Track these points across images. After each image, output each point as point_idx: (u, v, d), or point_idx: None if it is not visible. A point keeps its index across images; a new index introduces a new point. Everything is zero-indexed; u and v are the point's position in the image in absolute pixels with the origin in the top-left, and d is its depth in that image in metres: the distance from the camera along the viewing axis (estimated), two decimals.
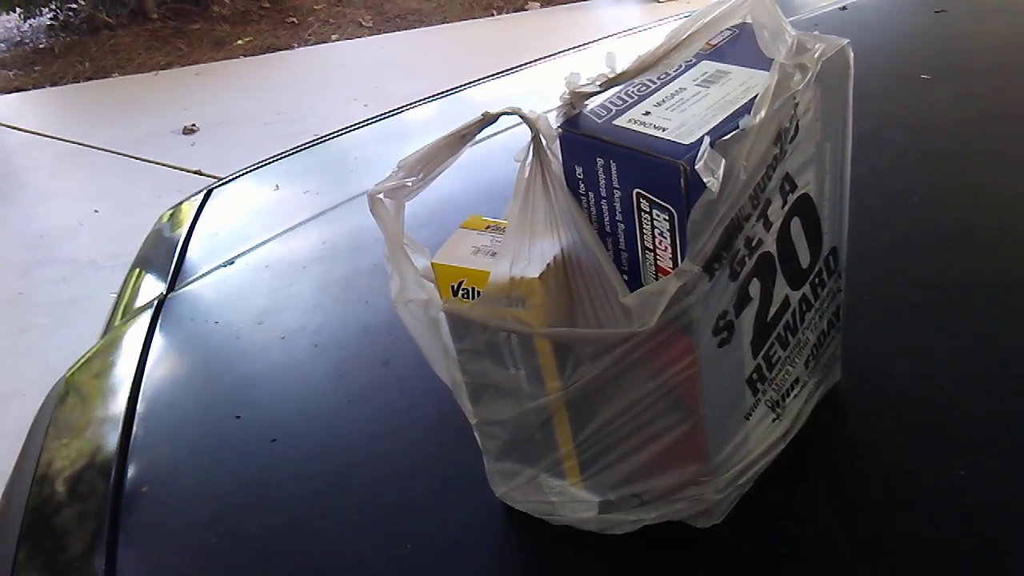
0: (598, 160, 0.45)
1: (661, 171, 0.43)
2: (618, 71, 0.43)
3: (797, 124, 0.47)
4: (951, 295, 0.67)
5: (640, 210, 0.45)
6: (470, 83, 1.28)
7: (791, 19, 1.23)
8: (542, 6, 4.37)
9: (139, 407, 0.75)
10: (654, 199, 0.44)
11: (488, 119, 0.50)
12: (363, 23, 4.13)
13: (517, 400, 0.52)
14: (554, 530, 0.56)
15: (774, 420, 0.56)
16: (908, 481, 0.54)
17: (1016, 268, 0.68)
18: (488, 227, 0.52)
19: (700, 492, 0.53)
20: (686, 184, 0.42)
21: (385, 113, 1.26)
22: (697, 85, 0.47)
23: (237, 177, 1.20)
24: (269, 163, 1.21)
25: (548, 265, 0.47)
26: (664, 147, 0.43)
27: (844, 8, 1.20)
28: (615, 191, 0.45)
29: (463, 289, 0.50)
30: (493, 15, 4.26)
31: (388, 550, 0.58)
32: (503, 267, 0.47)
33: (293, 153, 1.22)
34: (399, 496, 0.62)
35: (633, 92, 0.48)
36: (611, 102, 0.47)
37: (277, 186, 1.14)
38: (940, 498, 0.53)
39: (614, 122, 0.46)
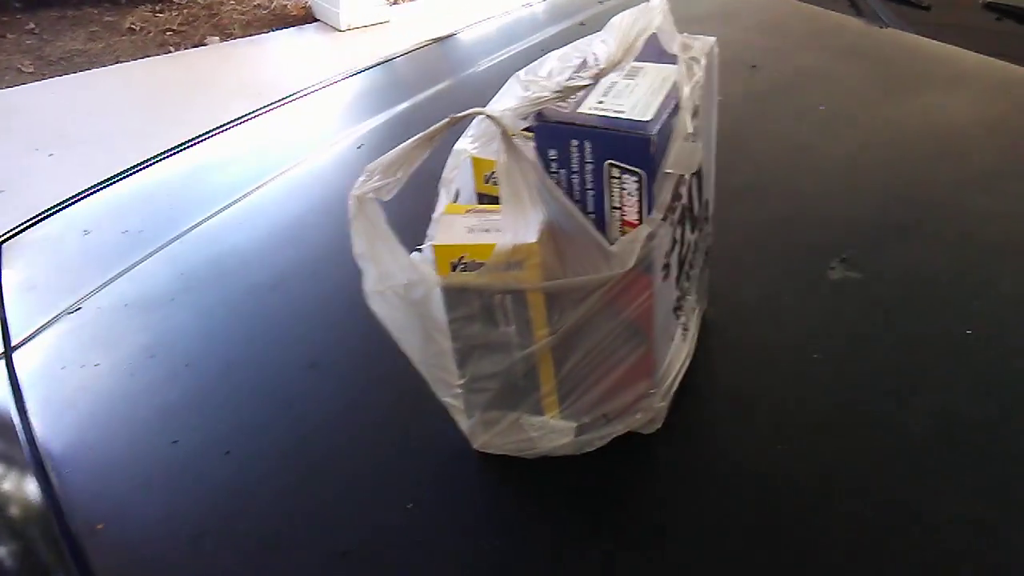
0: (572, 141, 0.57)
1: (633, 143, 0.55)
2: (599, 68, 0.55)
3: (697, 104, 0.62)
4: (777, 229, 0.86)
5: (611, 177, 0.57)
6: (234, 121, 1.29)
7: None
8: (221, 40, 4.30)
9: (44, 456, 0.73)
10: (625, 166, 0.56)
11: (455, 121, 0.60)
12: (23, 68, 3.80)
13: (506, 353, 0.62)
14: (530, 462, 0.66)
15: (683, 339, 0.71)
16: (767, 373, 0.72)
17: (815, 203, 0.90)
18: (469, 211, 0.61)
19: (650, 403, 0.66)
20: (654, 152, 0.55)
21: (171, 149, 1.25)
22: (625, 79, 0.61)
23: (24, 229, 1.13)
24: (58, 210, 1.16)
25: (540, 232, 0.58)
26: (632, 124, 0.56)
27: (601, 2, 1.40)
28: (587, 164, 0.57)
29: (463, 264, 0.59)
30: (170, 51, 4.11)
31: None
32: (507, 238, 0.57)
33: (76, 200, 1.18)
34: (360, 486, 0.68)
35: None
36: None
37: (86, 231, 1.10)
38: (795, 390, 0.71)
39: (579, 111, 0.58)
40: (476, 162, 0.67)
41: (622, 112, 0.57)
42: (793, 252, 0.84)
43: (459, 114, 0.60)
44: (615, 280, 0.58)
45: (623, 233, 0.59)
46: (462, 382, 0.64)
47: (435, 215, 0.71)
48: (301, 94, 1.32)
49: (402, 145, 0.60)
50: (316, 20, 4.66)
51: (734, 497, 0.63)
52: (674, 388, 0.68)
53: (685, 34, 0.66)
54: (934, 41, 1.19)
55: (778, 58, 1.22)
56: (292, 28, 4.58)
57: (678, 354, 0.69)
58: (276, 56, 4.31)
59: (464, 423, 0.67)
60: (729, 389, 0.71)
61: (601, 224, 0.59)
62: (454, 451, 0.68)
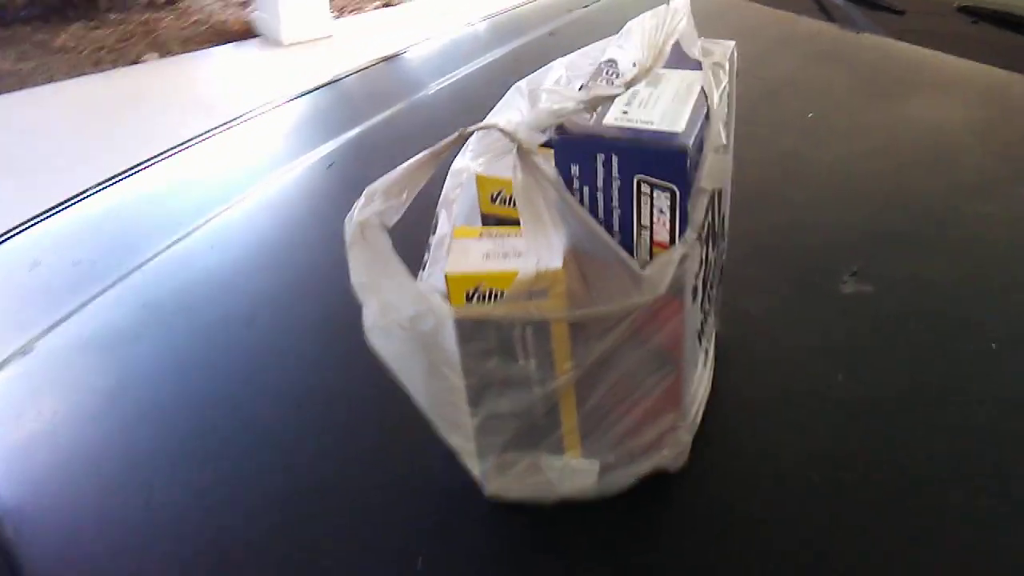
0: (598, 156, 0.52)
1: (666, 157, 0.50)
2: (630, 76, 0.50)
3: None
4: (781, 242, 0.82)
5: (641, 194, 0.52)
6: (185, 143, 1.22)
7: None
8: (160, 57, 4.17)
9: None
10: (657, 181, 0.51)
11: (464, 136, 0.55)
12: None
13: (525, 390, 0.57)
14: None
15: (704, 365, 0.66)
16: (792, 399, 0.68)
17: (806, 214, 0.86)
18: (483, 234, 0.56)
19: (677, 438, 0.61)
20: (689, 165, 0.51)
21: (124, 172, 1.17)
22: (646, 87, 0.56)
23: None
24: (1, 241, 1.07)
25: (564, 257, 0.52)
26: (663, 136, 0.51)
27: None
28: (614, 181, 0.52)
29: (479, 294, 0.53)
30: (106, 70, 3.97)
31: None
32: (530, 264, 0.51)
33: (22, 230, 1.09)
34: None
35: None
36: None
37: (35, 263, 1.02)
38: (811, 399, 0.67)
39: (604, 122, 0.53)
40: (481, 180, 0.61)
41: (650, 123, 0.52)
42: (801, 266, 0.80)
43: (470, 128, 0.54)
44: (648, 306, 0.53)
45: (652, 254, 0.54)
46: (475, 422, 0.59)
47: (433, 239, 0.66)
48: (256, 113, 1.25)
49: (405, 164, 0.54)
50: (257, 35, 4.55)
51: (770, 539, 0.58)
52: (699, 420, 0.64)
53: (703, 38, 0.61)
54: (912, 46, 1.18)
55: (757, 65, 1.18)
56: (233, 44, 4.47)
57: (700, 382, 0.65)
58: (218, 73, 4.20)
59: (475, 467, 0.61)
60: (752, 418, 0.67)
61: (628, 245, 0.54)
62: (462, 497, 0.62)
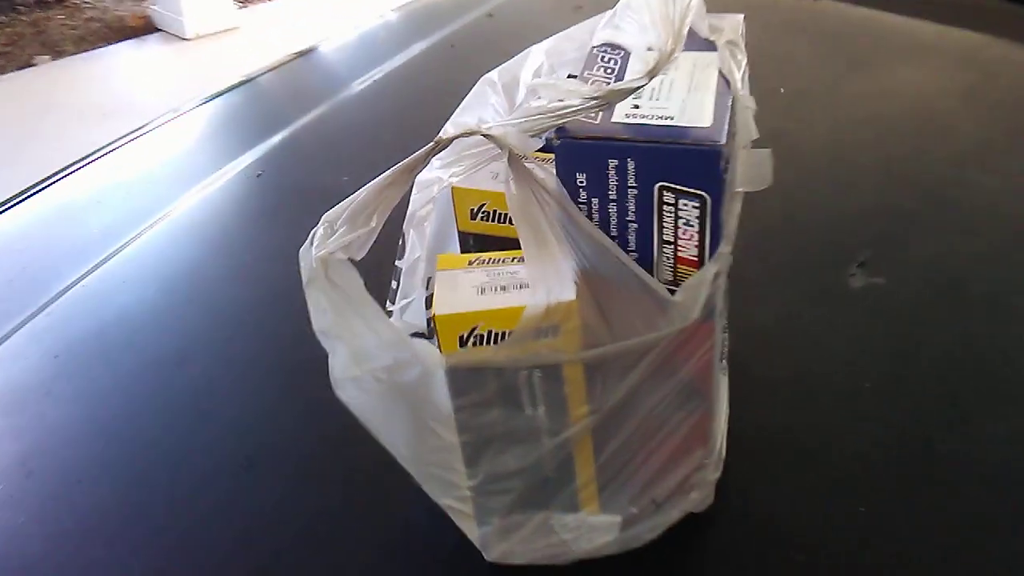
0: (610, 162, 0.43)
1: (696, 158, 0.42)
2: (650, 64, 0.40)
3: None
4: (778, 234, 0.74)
5: (663, 204, 0.43)
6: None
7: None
8: (52, 59, 3.91)
9: None
10: (683, 188, 0.42)
11: (442, 143, 0.45)
12: None
13: (533, 443, 0.47)
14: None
15: (725, 388, 0.58)
16: (816, 415, 0.60)
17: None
18: (471, 262, 0.46)
19: (704, 476, 0.53)
20: (724, 167, 0.42)
21: (17, 196, 1.03)
22: None
23: None
24: None
25: (575, 284, 0.43)
26: (689, 134, 0.42)
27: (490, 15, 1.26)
28: (630, 190, 0.43)
29: (475, 336, 0.44)
30: None
31: None
32: (540, 297, 0.42)
33: None
34: None
35: None
36: None
37: None
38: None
39: (613, 120, 0.43)
40: (459, 194, 0.52)
41: (670, 118, 0.43)
42: (803, 260, 0.73)
43: (447, 134, 0.45)
44: (679, 335, 0.44)
45: (675, 273, 0.46)
46: (473, 483, 0.49)
47: (402, 263, 0.56)
48: (167, 118, 1.12)
49: (372, 183, 0.45)
50: (158, 30, 4.31)
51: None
52: (724, 453, 0.55)
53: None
54: (874, 11, 1.11)
55: None
56: (131, 40, 4.23)
57: (722, 410, 0.56)
58: (118, 73, 3.96)
59: (473, 531, 0.52)
60: (777, 442, 0.59)
61: (648, 264, 0.45)
62: (456, 560, 0.53)
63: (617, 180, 0.43)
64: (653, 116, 0.43)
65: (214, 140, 1.09)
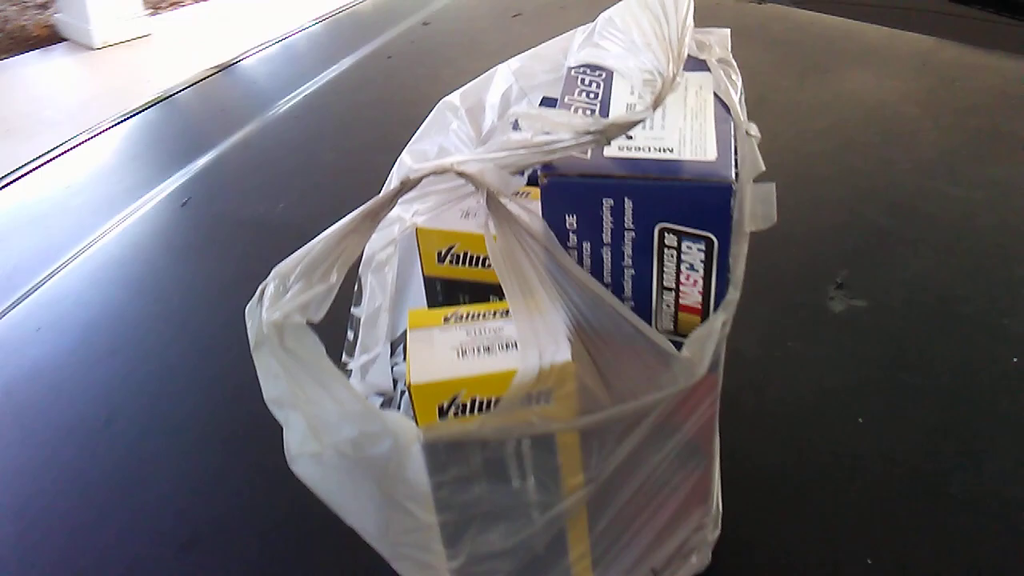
0: (605, 202, 0.38)
1: (704, 196, 0.37)
2: (654, 91, 0.35)
3: None
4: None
5: (663, 247, 0.38)
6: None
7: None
8: None
9: None
10: (687, 230, 0.38)
11: (409, 184, 0.39)
12: None
13: (522, 519, 0.42)
14: None
15: None
16: (812, 454, 0.56)
17: None
18: (447, 318, 0.40)
19: (703, 537, 0.49)
20: (732, 206, 0.37)
21: None
22: (630, 103, 0.42)
23: None
24: None
25: (570, 343, 0.38)
26: (695, 169, 0.37)
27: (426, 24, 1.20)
28: (627, 232, 0.38)
29: (457, 405, 0.38)
30: None
31: None
32: (531, 359, 0.37)
33: None
34: None
35: None
36: None
37: None
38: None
39: (605, 154, 0.38)
40: (424, 235, 0.46)
41: (669, 150, 0.38)
42: (778, 282, 0.69)
43: (415, 173, 0.39)
44: (686, 392, 0.39)
45: (676, 322, 0.41)
46: (455, 565, 0.43)
47: (359, 311, 0.50)
48: (80, 139, 1.03)
49: (329, 231, 0.39)
50: (64, 39, 4.12)
51: None
52: (720, 508, 0.51)
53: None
54: (820, 14, 1.09)
55: None
56: (36, 51, 4.03)
57: (717, 460, 0.52)
58: (22, 86, 3.76)
59: None
60: (773, 487, 0.55)
61: (645, 314, 0.40)
62: None
63: (612, 222, 0.38)
64: (650, 149, 0.38)
65: (133, 164, 1.00)
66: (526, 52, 0.49)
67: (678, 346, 0.39)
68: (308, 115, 1.01)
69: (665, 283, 0.40)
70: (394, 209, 0.48)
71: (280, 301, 0.38)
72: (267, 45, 1.22)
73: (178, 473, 0.58)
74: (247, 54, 1.19)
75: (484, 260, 0.46)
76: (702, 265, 0.39)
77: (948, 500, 0.52)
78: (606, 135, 0.34)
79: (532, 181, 0.40)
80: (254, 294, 0.38)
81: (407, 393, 0.38)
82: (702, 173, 0.37)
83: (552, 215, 0.38)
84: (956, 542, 0.50)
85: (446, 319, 0.40)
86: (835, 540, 0.51)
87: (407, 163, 0.50)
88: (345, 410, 0.39)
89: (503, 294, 0.47)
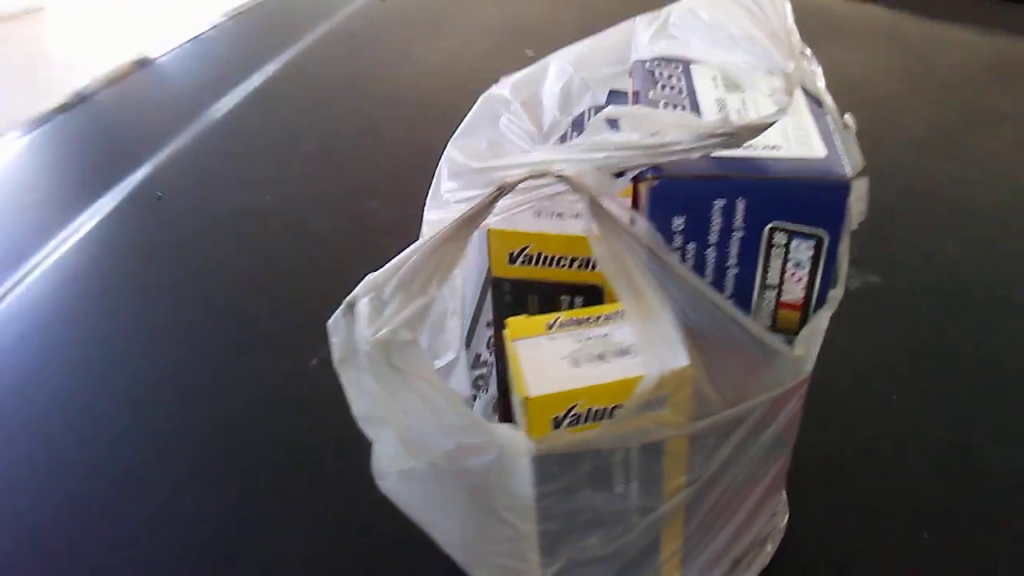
0: (716, 202, 0.37)
1: (821, 194, 0.36)
2: (782, 92, 0.34)
3: None
4: None
5: (771, 246, 0.38)
6: None
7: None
8: None
9: None
10: (799, 228, 0.37)
11: (508, 189, 0.38)
12: None
13: (622, 523, 0.41)
14: None
15: None
16: (852, 432, 0.57)
17: None
18: (550, 325, 0.39)
19: (776, 524, 0.49)
20: (849, 203, 0.37)
21: None
22: (728, 92, 0.41)
23: None
24: None
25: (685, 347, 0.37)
26: (810, 167, 0.37)
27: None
28: (734, 232, 0.38)
29: (573, 415, 0.37)
30: None
31: None
32: (651, 364, 0.36)
33: None
34: None
35: None
36: None
37: None
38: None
39: (712, 155, 0.37)
40: (496, 236, 0.44)
41: (777, 147, 0.37)
42: None
43: (511, 177, 0.37)
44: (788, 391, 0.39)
45: (776, 319, 0.40)
46: (550, 572, 0.43)
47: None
48: (16, 132, 0.96)
49: (424, 242, 0.37)
50: None
51: None
52: (785, 494, 0.51)
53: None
54: None
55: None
56: None
57: None
58: None
59: None
60: (822, 469, 0.55)
61: (744, 312, 0.40)
62: None
63: (721, 222, 0.37)
64: (758, 146, 0.37)
65: (92, 155, 0.94)
66: (582, 42, 0.48)
67: None
68: (274, 99, 0.97)
69: (768, 281, 0.39)
70: (443, 211, 0.46)
71: (381, 317, 0.36)
72: (220, 24, 1.17)
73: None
74: (200, 34, 1.13)
75: (557, 260, 0.45)
76: (809, 263, 0.38)
77: (987, 471, 0.54)
78: (738, 138, 0.33)
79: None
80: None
81: (519, 404, 0.37)
82: (818, 171, 0.36)
83: (659, 217, 0.37)
84: (1002, 511, 0.52)
85: (549, 327, 0.39)
86: (888, 517, 0.52)
87: (459, 160, 0.48)
88: (446, 423, 0.38)
89: (575, 293, 0.46)
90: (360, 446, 0.40)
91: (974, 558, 0.49)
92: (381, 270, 0.38)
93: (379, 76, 0.96)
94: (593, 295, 0.45)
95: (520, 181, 0.38)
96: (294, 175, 0.81)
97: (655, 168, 0.37)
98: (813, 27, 1.01)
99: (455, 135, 0.50)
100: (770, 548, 0.48)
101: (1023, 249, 0.69)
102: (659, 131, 0.35)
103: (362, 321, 0.37)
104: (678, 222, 0.38)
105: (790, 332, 0.40)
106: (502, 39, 1.03)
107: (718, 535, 0.45)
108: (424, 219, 0.47)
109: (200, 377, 0.62)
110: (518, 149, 0.46)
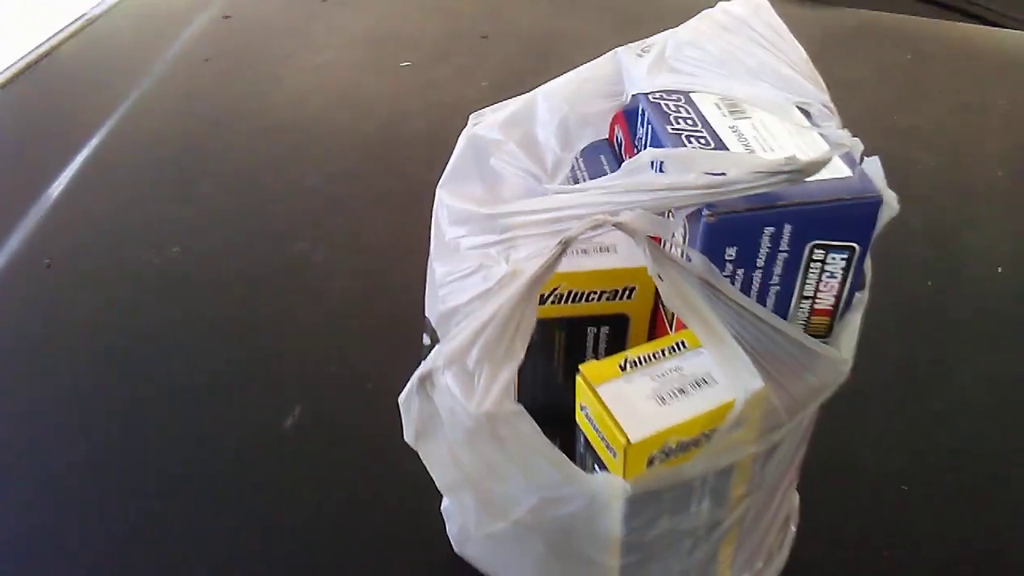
0: (765, 231, 0.39)
1: (858, 212, 0.39)
2: (828, 118, 0.37)
3: None
4: None
5: (811, 261, 0.41)
6: None
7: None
8: None
9: None
10: (836, 243, 0.40)
11: (571, 243, 0.38)
12: None
13: (691, 539, 0.43)
14: None
15: None
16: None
17: None
18: (623, 365, 0.40)
19: (793, 503, 0.53)
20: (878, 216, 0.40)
21: None
22: (737, 119, 0.43)
23: None
24: None
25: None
26: (845, 187, 0.39)
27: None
28: (780, 254, 0.40)
29: (664, 451, 0.38)
30: None
31: None
32: (740, 397, 0.38)
33: None
34: None
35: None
36: None
37: None
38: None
39: None
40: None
41: None
42: None
43: (575, 231, 0.38)
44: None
45: (808, 325, 0.43)
46: None
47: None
48: None
49: (498, 308, 0.37)
50: None
51: None
52: None
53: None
54: None
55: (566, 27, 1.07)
56: None
57: None
58: None
59: None
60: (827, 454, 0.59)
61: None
62: None
63: (769, 247, 0.40)
64: None
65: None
66: (564, 77, 0.48)
67: None
68: (134, 136, 0.89)
69: (805, 292, 0.42)
70: (473, 254, 0.46)
71: (476, 388, 0.36)
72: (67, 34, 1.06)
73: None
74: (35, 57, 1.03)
75: (585, 295, 0.45)
76: (842, 272, 0.41)
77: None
78: (805, 173, 0.35)
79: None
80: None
81: (619, 453, 0.38)
82: (853, 190, 0.39)
83: (712, 249, 0.39)
84: None
85: (621, 367, 0.40)
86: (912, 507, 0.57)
87: (459, 206, 0.47)
88: (538, 482, 0.38)
89: (600, 324, 0.47)
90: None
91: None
92: (455, 341, 0.37)
93: (253, 106, 0.91)
94: (618, 324, 0.47)
95: (580, 234, 0.38)
96: (200, 224, 0.76)
97: (712, 206, 0.38)
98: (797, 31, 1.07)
99: (443, 179, 0.48)
100: (793, 528, 0.52)
101: None
102: (722, 169, 0.37)
103: (456, 395, 0.36)
104: (730, 252, 0.39)
105: (821, 336, 0.43)
106: (373, 51, 1.00)
107: (763, 531, 0.48)
108: (431, 267, 0.47)
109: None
110: (525, 190, 0.46)
